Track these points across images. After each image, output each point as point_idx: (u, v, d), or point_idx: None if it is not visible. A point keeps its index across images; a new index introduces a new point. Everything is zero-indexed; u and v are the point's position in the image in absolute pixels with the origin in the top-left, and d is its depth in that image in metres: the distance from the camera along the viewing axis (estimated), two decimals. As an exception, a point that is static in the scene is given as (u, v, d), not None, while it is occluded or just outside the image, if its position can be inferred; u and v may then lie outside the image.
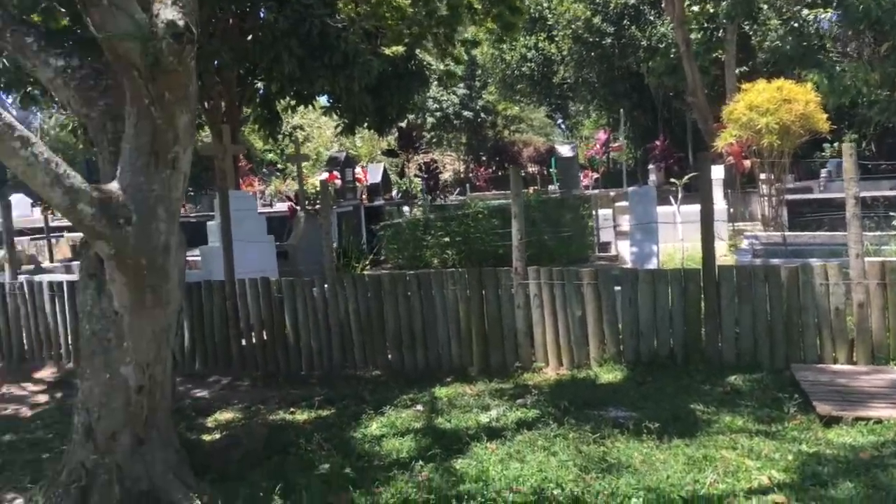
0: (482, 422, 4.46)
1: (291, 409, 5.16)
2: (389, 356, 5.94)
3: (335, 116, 15.48)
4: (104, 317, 3.47)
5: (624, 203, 11.17)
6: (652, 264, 8.03)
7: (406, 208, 15.73)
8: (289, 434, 4.51)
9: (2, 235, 8.68)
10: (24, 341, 7.17)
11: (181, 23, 3.18)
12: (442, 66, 16.50)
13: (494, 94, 32.19)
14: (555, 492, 3.35)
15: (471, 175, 32.87)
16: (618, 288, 5.39)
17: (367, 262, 11.06)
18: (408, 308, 5.85)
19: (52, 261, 14.46)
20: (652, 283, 5.31)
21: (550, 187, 21.24)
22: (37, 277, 8.43)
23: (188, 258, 8.84)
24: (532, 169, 31.83)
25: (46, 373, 6.92)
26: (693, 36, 18.71)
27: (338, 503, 3.49)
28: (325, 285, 6.07)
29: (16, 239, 15.92)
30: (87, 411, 3.52)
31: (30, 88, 10.23)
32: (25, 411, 5.82)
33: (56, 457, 4.18)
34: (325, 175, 15.00)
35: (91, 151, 17.54)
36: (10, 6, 4.96)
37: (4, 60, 8.68)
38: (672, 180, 10.92)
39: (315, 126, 31.85)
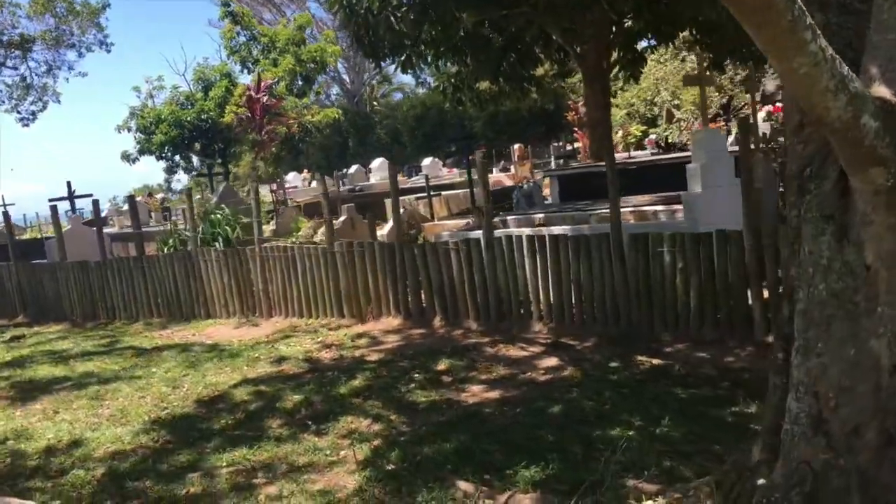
0: None
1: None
2: None
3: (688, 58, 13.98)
4: (849, 272, 2.58)
5: None
6: None
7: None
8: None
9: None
10: (503, 298, 6.95)
11: None
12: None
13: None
14: None
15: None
16: None
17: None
18: None
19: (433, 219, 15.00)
20: None
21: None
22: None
23: (653, 207, 8.11)
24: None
25: (533, 332, 6.62)
26: None
27: None
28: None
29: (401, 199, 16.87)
30: (816, 396, 2.69)
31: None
32: (537, 376, 5.45)
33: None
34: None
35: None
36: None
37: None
38: None
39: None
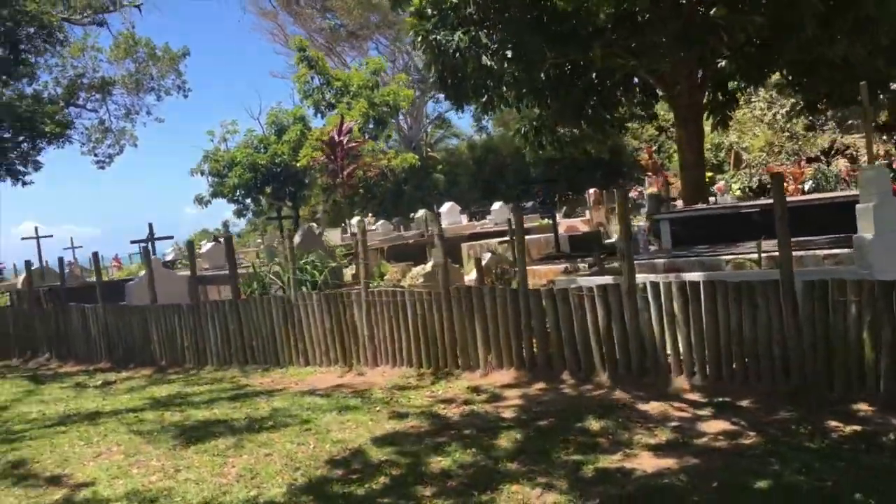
0: None
1: None
2: None
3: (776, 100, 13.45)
4: None
5: None
6: None
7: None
8: None
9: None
10: (646, 351, 6.31)
11: None
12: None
13: None
14: None
15: None
16: None
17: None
18: None
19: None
20: None
21: None
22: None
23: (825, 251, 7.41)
24: None
25: (682, 389, 5.95)
26: None
27: None
28: None
29: (490, 241, 16.31)
30: None
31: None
32: (712, 442, 4.78)
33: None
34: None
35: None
36: None
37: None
38: None
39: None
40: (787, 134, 29.74)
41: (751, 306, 5.72)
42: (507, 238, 16.59)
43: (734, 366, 5.87)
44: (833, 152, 21.25)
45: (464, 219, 24.50)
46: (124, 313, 10.94)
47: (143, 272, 18.38)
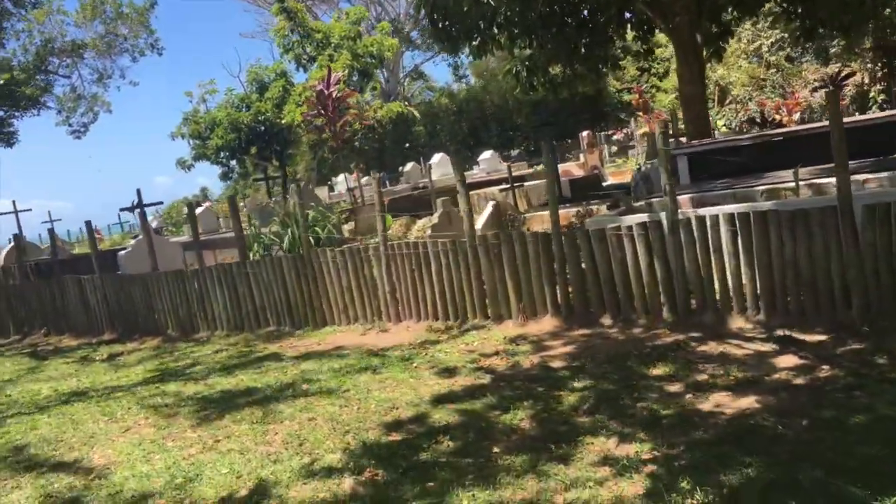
0: None
1: None
2: None
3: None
4: None
5: None
6: None
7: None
8: None
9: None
10: (692, 289, 6.03)
11: None
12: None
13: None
14: None
15: None
16: None
17: None
18: None
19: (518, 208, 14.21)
20: None
21: None
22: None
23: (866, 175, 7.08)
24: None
25: (737, 327, 5.69)
26: None
27: None
28: None
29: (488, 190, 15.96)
30: None
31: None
32: (788, 378, 4.52)
33: None
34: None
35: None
36: None
37: None
38: None
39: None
40: (773, 69, 29.39)
41: (806, 235, 5.43)
42: (506, 186, 16.24)
43: (789, 299, 5.61)
44: (842, 78, 20.90)
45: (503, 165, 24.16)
46: (125, 283, 10.49)
47: (131, 241, 17.85)
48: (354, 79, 21.86)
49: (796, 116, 22.58)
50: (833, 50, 27.62)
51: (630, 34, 16.37)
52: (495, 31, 14.40)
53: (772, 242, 5.57)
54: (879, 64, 26.63)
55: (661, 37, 21.30)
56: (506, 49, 15.78)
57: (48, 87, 22.60)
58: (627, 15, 15.82)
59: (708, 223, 5.85)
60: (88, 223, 11.29)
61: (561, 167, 21.56)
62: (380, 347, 6.97)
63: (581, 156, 21.74)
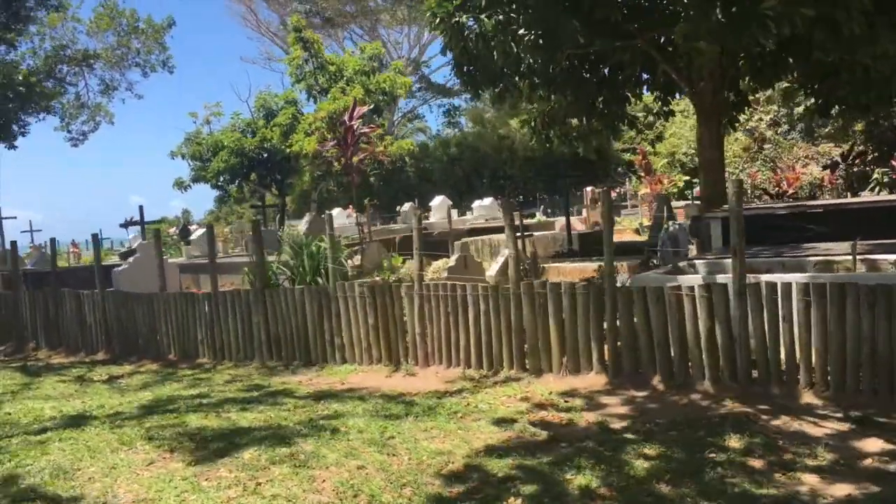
0: None
1: None
2: None
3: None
4: None
5: None
6: None
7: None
8: None
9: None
10: (755, 358, 5.76)
11: None
12: None
13: None
14: None
15: None
16: None
17: None
18: None
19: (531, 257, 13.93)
20: None
21: None
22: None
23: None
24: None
25: (804, 403, 5.41)
26: None
27: None
28: None
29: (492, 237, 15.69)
30: None
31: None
32: (880, 465, 4.22)
33: None
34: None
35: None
36: None
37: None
38: None
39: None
40: (769, 144, 29.87)
41: (887, 311, 5.20)
42: (517, 234, 16.02)
43: (861, 378, 5.35)
44: (853, 157, 21.19)
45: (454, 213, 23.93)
46: (128, 300, 10.01)
47: (114, 258, 17.30)
48: (366, 114, 21.72)
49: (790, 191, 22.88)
50: (826, 130, 28.18)
51: (650, 96, 16.44)
52: (517, 79, 14.37)
53: (848, 316, 5.33)
54: (870, 146, 27.18)
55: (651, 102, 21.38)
56: (524, 97, 15.76)
57: (56, 93, 22.14)
58: (646, 76, 15.91)
59: (779, 290, 5.60)
60: (95, 236, 10.84)
61: (561, 221, 21.47)
62: (412, 392, 6.59)
63: (584, 211, 21.66)
